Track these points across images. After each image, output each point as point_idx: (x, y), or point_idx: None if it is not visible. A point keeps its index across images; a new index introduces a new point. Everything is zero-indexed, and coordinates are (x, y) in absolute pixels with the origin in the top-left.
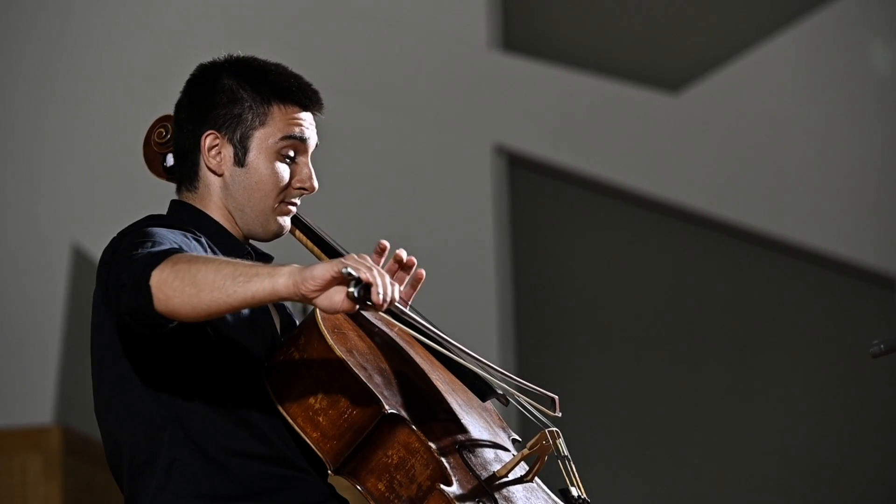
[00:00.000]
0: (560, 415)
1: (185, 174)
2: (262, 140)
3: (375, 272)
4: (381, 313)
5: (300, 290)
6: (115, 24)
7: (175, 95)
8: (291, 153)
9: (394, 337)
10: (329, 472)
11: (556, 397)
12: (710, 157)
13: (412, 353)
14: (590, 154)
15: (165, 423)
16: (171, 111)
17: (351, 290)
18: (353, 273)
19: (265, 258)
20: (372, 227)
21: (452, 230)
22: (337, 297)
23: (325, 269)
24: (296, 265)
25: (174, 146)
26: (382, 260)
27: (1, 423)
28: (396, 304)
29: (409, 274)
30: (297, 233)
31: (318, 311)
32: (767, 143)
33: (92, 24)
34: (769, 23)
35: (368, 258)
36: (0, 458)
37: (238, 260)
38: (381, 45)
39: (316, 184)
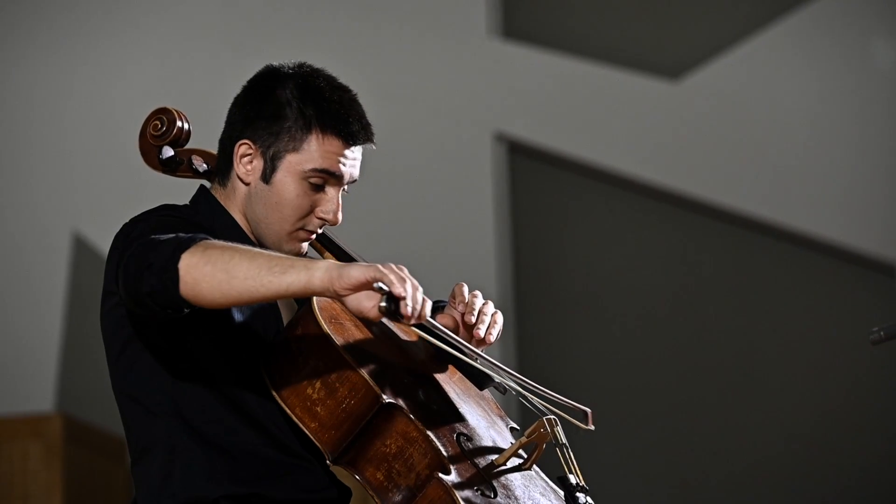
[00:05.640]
0: (593, 428)
1: (221, 168)
2: (291, 165)
3: (408, 285)
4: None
5: (333, 287)
6: (116, 14)
7: (175, 85)
8: (320, 183)
9: (391, 327)
10: (327, 461)
11: (590, 410)
12: (710, 144)
13: (410, 343)
14: (590, 141)
15: (166, 411)
16: (170, 100)
17: (382, 304)
18: (385, 287)
19: None
20: (372, 215)
21: (453, 218)
22: (366, 303)
23: (360, 273)
24: (332, 261)
25: (222, 134)
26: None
27: (2, 410)
28: (428, 319)
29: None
30: None
31: (315, 300)
32: (767, 130)
33: (93, 14)
34: (769, 10)
35: (405, 270)
36: (1, 445)
37: (270, 252)
38: (381, 33)
39: (340, 217)
